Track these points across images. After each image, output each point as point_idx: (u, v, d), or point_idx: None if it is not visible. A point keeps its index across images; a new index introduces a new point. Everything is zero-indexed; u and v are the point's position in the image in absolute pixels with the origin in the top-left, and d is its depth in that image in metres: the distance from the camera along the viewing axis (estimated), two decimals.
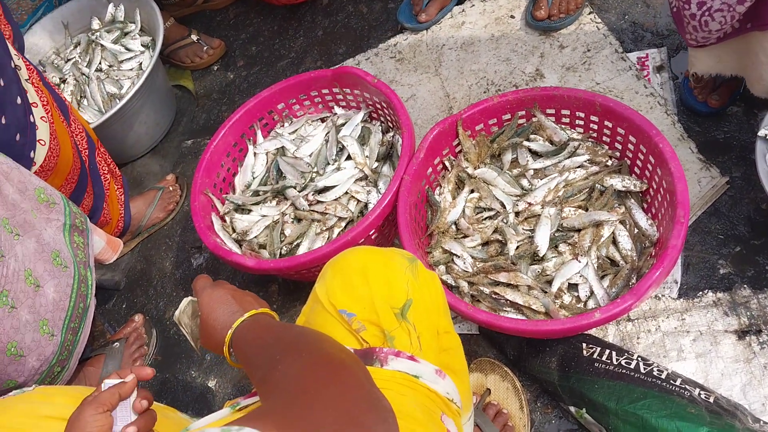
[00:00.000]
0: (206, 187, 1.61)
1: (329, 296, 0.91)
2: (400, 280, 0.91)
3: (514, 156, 1.51)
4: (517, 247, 1.38)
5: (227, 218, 1.62)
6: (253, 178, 1.72)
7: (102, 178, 1.71)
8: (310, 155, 1.68)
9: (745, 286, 1.36)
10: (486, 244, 1.44)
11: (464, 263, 1.39)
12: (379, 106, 1.67)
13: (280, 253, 1.53)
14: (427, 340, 0.90)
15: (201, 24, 2.44)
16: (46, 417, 0.93)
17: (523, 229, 1.41)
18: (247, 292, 0.96)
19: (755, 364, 1.27)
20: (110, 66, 2.13)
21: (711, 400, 1.17)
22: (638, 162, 1.39)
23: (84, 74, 2.11)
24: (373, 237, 1.43)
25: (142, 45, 2.16)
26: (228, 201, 1.65)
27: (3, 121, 1.31)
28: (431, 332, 0.92)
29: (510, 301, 1.30)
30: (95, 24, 2.21)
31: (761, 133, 1.33)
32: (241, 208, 1.64)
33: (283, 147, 1.72)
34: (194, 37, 2.29)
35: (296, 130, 1.76)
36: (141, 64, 2.14)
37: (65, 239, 1.40)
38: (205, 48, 2.30)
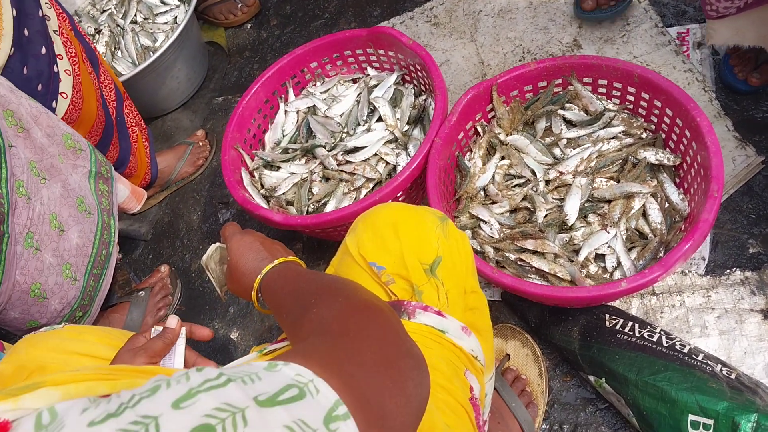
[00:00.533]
0: (237, 142, 1.62)
1: (359, 248, 0.90)
2: (431, 236, 0.90)
3: (548, 124, 1.50)
4: (546, 216, 1.37)
5: (256, 174, 1.63)
6: (283, 136, 1.72)
7: (129, 130, 1.72)
8: (341, 115, 1.68)
9: None
10: (514, 211, 1.43)
11: (491, 229, 1.39)
12: (413, 68, 1.65)
13: (307, 210, 1.54)
14: (454, 297, 0.90)
15: None
16: (76, 353, 0.95)
17: (552, 197, 1.40)
18: (276, 242, 0.96)
19: None
20: (145, 18, 2.13)
21: (732, 376, 1.16)
22: (673, 136, 1.37)
23: (119, 26, 2.12)
24: (400, 199, 1.43)
25: None
26: (258, 157, 1.65)
27: (25, 72, 1.32)
28: (459, 290, 0.92)
29: (536, 268, 1.30)
30: None
31: None
32: (270, 165, 1.64)
33: (314, 106, 1.72)
34: None
35: (328, 90, 1.76)
36: (176, 18, 2.14)
37: (90, 186, 1.41)
38: (239, 5, 2.29)
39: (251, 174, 1.63)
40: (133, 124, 1.76)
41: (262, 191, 1.59)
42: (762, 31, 1.33)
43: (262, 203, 1.54)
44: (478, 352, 0.90)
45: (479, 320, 0.97)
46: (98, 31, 2.12)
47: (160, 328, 0.93)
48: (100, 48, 2.04)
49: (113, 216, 1.48)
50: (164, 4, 2.15)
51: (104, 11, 2.19)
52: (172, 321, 0.93)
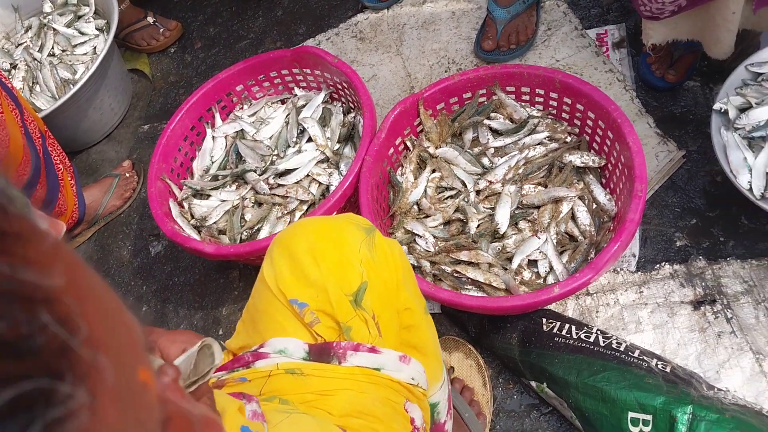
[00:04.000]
0: (163, 173, 1.58)
1: (278, 281, 0.83)
2: (354, 259, 0.83)
3: (475, 134, 1.51)
4: (478, 226, 1.38)
5: (185, 204, 1.60)
6: (212, 163, 1.69)
7: (55, 167, 1.67)
8: (270, 138, 1.66)
9: (701, 257, 1.38)
10: (447, 223, 1.44)
11: (426, 243, 1.39)
12: (340, 86, 1.65)
13: (240, 238, 1.51)
14: (386, 323, 0.85)
15: (157, 5, 2.39)
16: None
17: (483, 207, 1.41)
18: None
19: (709, 333, 1.29)
20: (63, 51, 2.07)
21: (668, 369, 1.19)
22: (597, 138, 1.40)
23: (36, 59, 2.05)
24: None
25: (96, 28, 2.11)
26: (186, 186, 1.62)
27: None
28: (391, 313, 0.87)
29: (471, 279, 1.31)
30: (47, 7, 2.15)
31: (716, 106, 1.35)
32: (200, 194, 1.61)
33: (242, 130, 1.69)
34: (150, 19, 2.25)
35: (256, 113, 1.74)
36: (95, 48, 2.09)
37: None
38: (161, 30, 2.25)
39: (180, 204, 1.60)
40: (58, 161, 1.71)
41: (192, 221, 1.56)
42: (699, 25, 1.36)
43: (193, 234, 1.51)
44: (419, 377, 0.86)
45: (415, 336, 0.92)
46: (14, 66, 2.05)
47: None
48: (17, 83, 1.97)
49: None
50: (82, 34, 2.09)
51: (19, 45, 2.11)
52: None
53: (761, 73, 1.36)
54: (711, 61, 1.58)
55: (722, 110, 1.34)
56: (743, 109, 1.34)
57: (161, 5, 2.40)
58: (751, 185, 1.25)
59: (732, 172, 1.27)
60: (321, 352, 0.80)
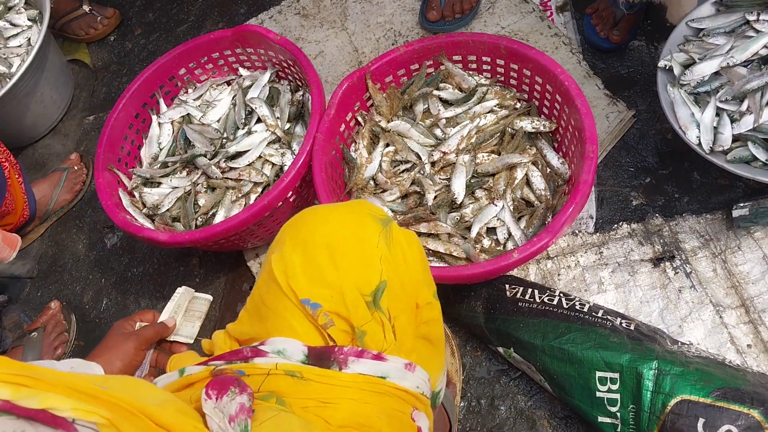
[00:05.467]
0: (110, 163, 1.53)
1: (288, 279, 0.77)
2: (373, 256, 0.77)
3: (426, 106, 1.50)
4: (435, 197, 1.37)
5: (136, 193, 1.55)
6: (160, 150, 1.64)
7: (1, 166, 1.61)
8: (218, 121, 1.62)
9: (657, 215, 1.40)
10: (405, 196, 1.43)
11: None
12: (285, 64, 1.62)
13: (195, 224, 1.48)
14: (403, 324, 0.80)
15: None
16: None
17: (439, 178, 1.40)
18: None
19: (670, 288, 1.32)
20: None
21: (632, 327, 1.21)
22: (546, 102, 1.40)
23: None
24: (291, 199, 1.40)
25: (29, 19, 2.01)
26: (135, 175, 1.57)
27: None
28: (409, 312, 0.82)
29: (432, 250, 1.30)
30: None
31: (661, 63, 1.36)
32: (150, 182, 1.57)
33: (188, 114, 1.65)
34: (86, 8, 2.17)
35: (201, 96, 1.69)
36: (30, 39, 2.00)
37: None
38: (99, 18, 2.18)
39: (131, 194, 1.55)
40: (3, 159, 1.64)
41: (144, 211, 1.51)
42: None
43: (147, 223, 1.47)
44: (424, 385, 0.81)
45: (433, 330, 0.88)
46: None
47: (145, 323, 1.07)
48: None
49: None
50: (14, 26, 2.00)
51: None
52: (170, 321, 1.07)
53: (702, 29, 1.38)
54: (654, 19, 1.60)
55: (667, 67, 1.35)
56: (687, 66, 1.35)
57: None
58: (699, 140, 1.26)
59: (681, 129, 1.28)
60: (320, 357, 0.76)
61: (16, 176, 1.69)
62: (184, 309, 1.18)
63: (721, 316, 1.27)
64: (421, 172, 1.42)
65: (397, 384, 0.77)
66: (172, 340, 1.13)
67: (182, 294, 1.19)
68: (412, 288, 0.82)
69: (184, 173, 1.57)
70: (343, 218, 0.80)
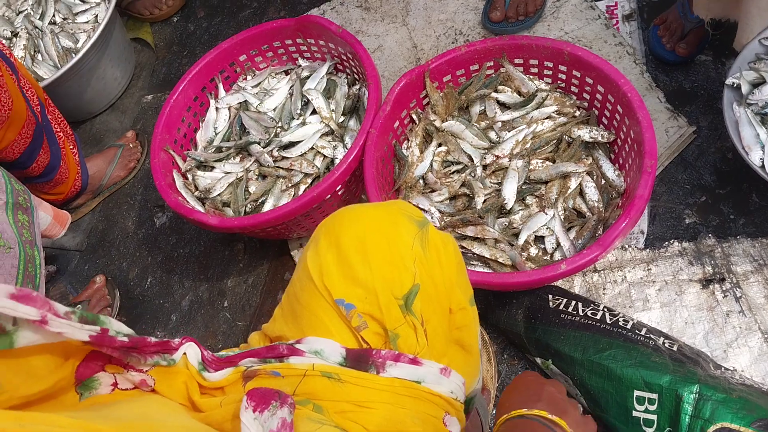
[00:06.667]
0: (166, 144, 1.56)
1: (323, 277, 0.77)
2: (407, 257, 0.77)
3: (482, 108, 1.48)
4: (485, 201, 1.36)
5: (189, 176, 1.58)
6: (216, 134, 1.67)
7: (57, 136, 1.65)
8: (274, 109, 1.64)
9: (710, 235, 1.37)
10: (454, 198, 1.42)
11: (432, 218, 1.38)
12: (344, 57, 1.62)
13: (245, 210, 1.50)
14: (434, 327, 0.80)
15: None
16: None
17: (490, 182, 1.39)
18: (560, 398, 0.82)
19: (718, 312, 1.28)
20: (64, 19, 2.04)
21: (675, 348, 1.18)
22: (606, 112, 1.38)
23: (37, 27, 2.02)
24: (339, 193, 1.41)
25: None
26: (190, 158, 1.60)
27: None
28: (441, 317, 0.81)
29: (477, 254, 1.30)
30: None
31: (729, 81, 1.32)
32: (204, 165, 1.59)
33: (246, 101, 1.67)
34: None
35: (259, 84, 1.71)
36: (97, 16, 2.05)
37: (8, 218, 1.33)
38: None
39: (184, 176, 1.58)
40: (58, 129, 1.69)
41: (196, 193, 1.54)
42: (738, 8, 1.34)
43: (198, 206, 1.49)
44: (458, 390, 0.81)
45: (466, 336, 0.87)
46: (15, 34, 2.02)
47: None
48: (18, 52, 1.94)
49: (37, 247, 1.39)
50: (84, 2, 2.05)
51: (20, 12, 2.08)
52: None
53: None
54: (723, 34, 1.55)
55: (735, 85, 1.31)
56: (756, 84, 1.31)
57: None
58: (763, 162, 1.22)
59: (744, 149, 1.24)
60: (359, 359, 0.75)
61: (71, 147, 1.73)
62: None
63: None
64: (472, 174, 1.41)
65: (432, 389, 0.77)
66: None
67: None
68: (446, 292, 0.81)
69: (237, 159, 1.59)
70: (377, 218, 0.80)
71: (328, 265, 0.77)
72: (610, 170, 1.33)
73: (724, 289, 1.30)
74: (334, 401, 0.74)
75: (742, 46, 1.35)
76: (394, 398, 0.75)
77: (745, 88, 1.30)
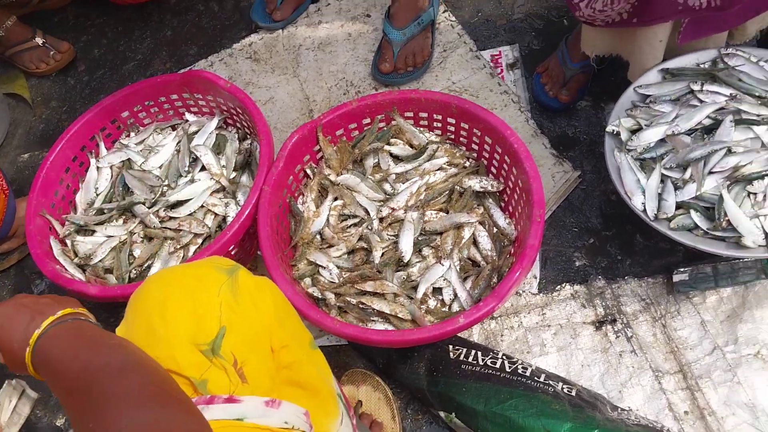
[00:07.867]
0: (42, 208, 1.46)
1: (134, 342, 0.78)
2: (212, 305, 0.80)
3: (376, 161, 1.48)
4: (383, 254, 1.35)
5: (68, 241, 1.48)
6: (97, 195, 1.57)
7: None
8: (160, 167, 1.57)
9: (600, 276, 1.41)
10: (351, 252, 1.40)
11: (330, 274, 1.35)
12: (234, 111, 1.58)
13: (129, 277, 1.41)
14: (255, 365, 0.81)
15: (38, 25, 2.21)
16: None
17: (387, 234, 1.38)
18: (45, 296, 0.86)
19: (611, 352, 1.32)
20: None
21: (573, 393, 1.20)
22: (494, 162, 1.41)
23: None
24: (233, 253, 1.36)
25: None
26: (68, 222, 1.50)
27: None
28: (262, 353, 0.83)
29: (377, 310, 1.28)
30: None
31: (609, 128, 1.37)
32: (84, 229, 1.50)
33: (129, 159, 1.59)
34: (39, 40, 2.05)
35: (143, 140, 1.64)
36: None
37: None
38: (52, 53, 2.07)
39: (62, 242, 1.48)
40: None
41: (76, 260, 1.44)
42: (630, 47, 1.40)
43: (78, 274, 1.40)
44: (295, 419, 0.81)
45: (297, 374, 0.88)
46: None
47: None
48: None
49: None
50: None
51: None
52: None
53: (649, 95, 1.41)
54: (600, 80, 1.63)
55: (614, 132, 1.37)
56: (634, 131, 1.37)
57: (42, 24, 2.21)
58: (644, 206, 1.28)
59: (626, 194, 1.30)
60: None
61: None
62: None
63: (659, 382, 1.28)
64: (369, 227, 1.40)
65: (257, 423, 0.77)
66: None
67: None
68: (264, 331, 0.84)
69: (121, 221, 1.50)
70: (183, 275, 0.84)
71: (133, 333, 0.80)
72: (501, 219, 1.36)
73: (615, 329, 1.34)
74: None
75: (635, 78, 1.41)
76: None
77: (624, 135, 1.37)
